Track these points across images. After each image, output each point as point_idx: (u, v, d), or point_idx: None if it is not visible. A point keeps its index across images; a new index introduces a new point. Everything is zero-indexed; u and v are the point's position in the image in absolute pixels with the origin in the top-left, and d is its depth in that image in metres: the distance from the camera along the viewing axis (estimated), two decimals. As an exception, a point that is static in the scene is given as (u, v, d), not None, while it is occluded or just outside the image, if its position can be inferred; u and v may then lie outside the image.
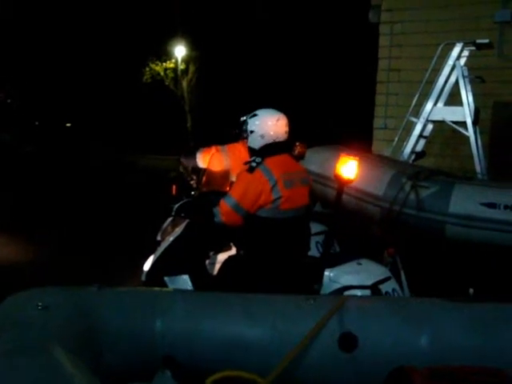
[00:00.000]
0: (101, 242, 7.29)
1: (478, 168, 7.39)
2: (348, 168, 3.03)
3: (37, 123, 21.74)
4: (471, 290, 2.52)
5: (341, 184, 3.14)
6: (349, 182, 3.12)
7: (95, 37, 23.43)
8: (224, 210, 3.28)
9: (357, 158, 3.07)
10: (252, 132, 3.43)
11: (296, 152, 5.02)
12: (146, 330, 2.51)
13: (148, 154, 19.20)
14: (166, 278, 3.98)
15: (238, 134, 4.00)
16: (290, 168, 3.39)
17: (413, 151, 7.82)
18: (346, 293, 3.14)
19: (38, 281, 3.84)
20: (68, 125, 24.49)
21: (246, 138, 3.49)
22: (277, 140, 3.39)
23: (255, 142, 3.42)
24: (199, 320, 2.56)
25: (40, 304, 2.25)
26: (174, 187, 4.39)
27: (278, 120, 3.41)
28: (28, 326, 2.12)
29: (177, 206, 4.48)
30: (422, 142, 7.99)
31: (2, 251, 6.89)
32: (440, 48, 7.70)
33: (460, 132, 7.68)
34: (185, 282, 3.95)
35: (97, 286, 2.63)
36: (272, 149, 3.36)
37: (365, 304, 2.59)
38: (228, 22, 21.06)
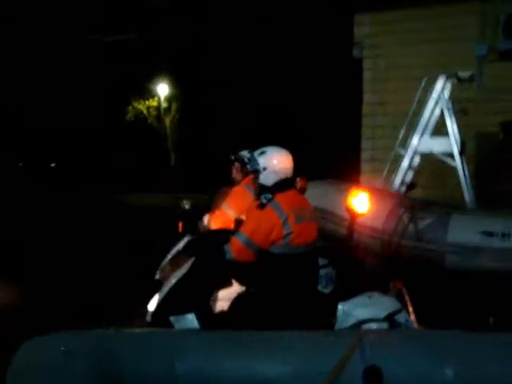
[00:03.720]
0: (96, 283, 7.16)
1: (466, 197, 7.52)
2: (359, 200, 3.07)
3: (21, 164, 21.57)
4: (491, 320, 2.53)
5: (353, 216, 3.17)
6: (360, 214, 3.15)
7: (79, 77, 23.58)
8: (236, 247, 3.30)
9: (367, 191, 3.11)
10: (265, 169, 3.47)
11: (298, 187, 5.06)
12: (166, 371, 2.48)
13: (135, 193, 19.11)
14: (171, 318, 3.91)
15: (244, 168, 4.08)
16: (299, 203, 3.44)
17: (402, 183, 7.94)
18: (365, 327, 3.14)
19: (34, 325, 3.77)
20: (53, 165, 24.36)
21: (257, 175, 3.52)
22: (288, 176, 3.48)
23: (268, 178, 3.47)
24: (219, 359, 2.54)
25: (63, 348, 2.22)
26: (180, 224, 4.37)
27: (286, 156, 3.52)
28: (55, 370, 2.08)
29: (183, 243, 4.47)
30: (411, 173, 8.13)
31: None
32: (424, 81, 7.93)
33: (447, 163, 7.85)
34: (191, 321, 3.88)
35: (113, 328, 2.60)
36: (282, 185, 3.42)
37: (386, 337, 2.59)
38: (210, 59, 21.38)
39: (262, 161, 3.49)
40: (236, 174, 5.00)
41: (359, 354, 2.45)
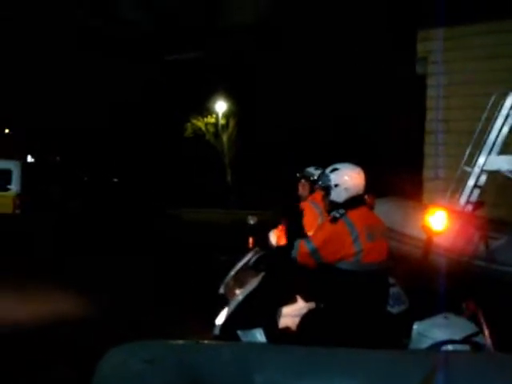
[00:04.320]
0: (152, 297, 7.30)
1: (536, 217, 7.24)
2: (436, 219, 3.01)
3: (86, 178, 22.43)
4: None
5: (429, 235, 3.11)
6: (437, 233, 3.09)
7: (141, 96, 24.39)
8: (301, 251, 3.33)
9: (445, 209, 3.05)
10: (336, 186, 3.46)
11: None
12: (243, 385, 2.48)
13: (191, 208, 19.44)
14: (239, 332, 3.94)
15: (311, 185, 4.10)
16: (371, 221, 3.41)
17: (468, 201, 7.73)
18: (443, 348, 3.05)
19: (112, 335, 3.87)
20: (115, 180, 25.16)
21: (327, 191, 3.50)
22: (359, 193, 3.45)
23: (339, 195, 3.45)
24: (296, 374, 2.52)
25: (146, 358, 2.27)
26: (251, 239, 4.41)
27: (359, 173, 3.49)
28: (138, 379, 2.13)
29: (247, 258, 4.50)
30: (477, 191, 7.91)
31: (54, 306, 6.90)
32: (493, 98, 7.74)
33: (515, 181, 7.60)
34: (258, 335, 3.90)
35: (194, 340, 2.64)
36: (353, 202, 3.40)
37: (470, 360, 2.50)
38: (270, 76, 21.57)
39: (334, 177, 3.47)
40: (302, 190, 5.02)
41: (441, 376, 2.38)
